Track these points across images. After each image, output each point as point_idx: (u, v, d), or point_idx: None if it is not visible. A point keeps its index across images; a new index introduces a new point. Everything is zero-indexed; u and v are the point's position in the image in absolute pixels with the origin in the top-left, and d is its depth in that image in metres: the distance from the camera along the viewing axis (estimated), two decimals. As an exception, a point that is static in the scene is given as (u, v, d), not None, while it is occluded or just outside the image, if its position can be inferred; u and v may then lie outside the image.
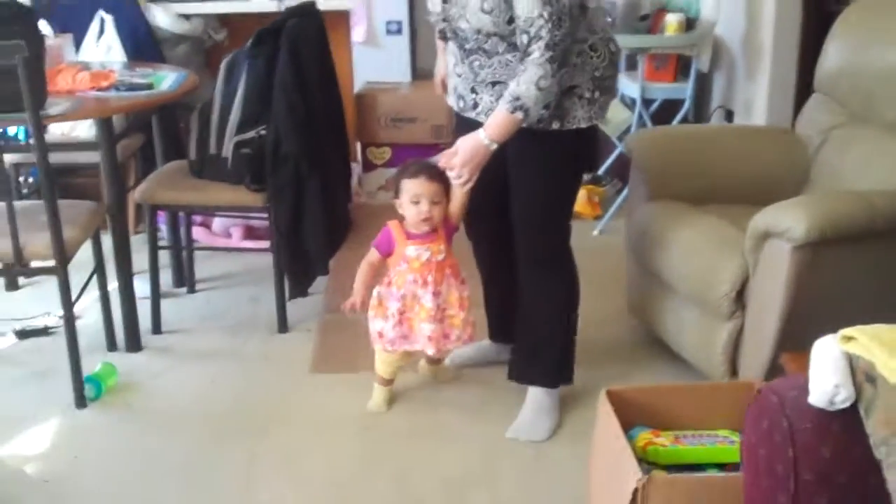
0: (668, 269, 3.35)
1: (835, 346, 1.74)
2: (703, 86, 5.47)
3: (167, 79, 3.95)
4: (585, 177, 5.46)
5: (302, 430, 3.22)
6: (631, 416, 2.58)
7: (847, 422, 1.68)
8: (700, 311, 3.24)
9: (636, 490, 2.23)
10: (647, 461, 2.47)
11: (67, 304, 3.32)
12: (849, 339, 1.73)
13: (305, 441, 3.14)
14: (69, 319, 3.35)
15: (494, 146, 2.79)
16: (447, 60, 3.17)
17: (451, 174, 2.90)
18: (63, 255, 3.24)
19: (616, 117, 5.16)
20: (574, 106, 2.87)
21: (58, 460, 3.08)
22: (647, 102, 5.12)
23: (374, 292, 3.13)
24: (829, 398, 1.67)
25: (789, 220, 2.80)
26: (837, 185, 3.39)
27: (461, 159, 2.84)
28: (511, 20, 2.73)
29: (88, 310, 4.07)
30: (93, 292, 3.76)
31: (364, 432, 3.19)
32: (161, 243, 4.17)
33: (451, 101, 3.15)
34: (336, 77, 4.11)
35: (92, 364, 3.53)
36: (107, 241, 3.71)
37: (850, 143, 3.45)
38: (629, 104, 5.22)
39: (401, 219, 3.11)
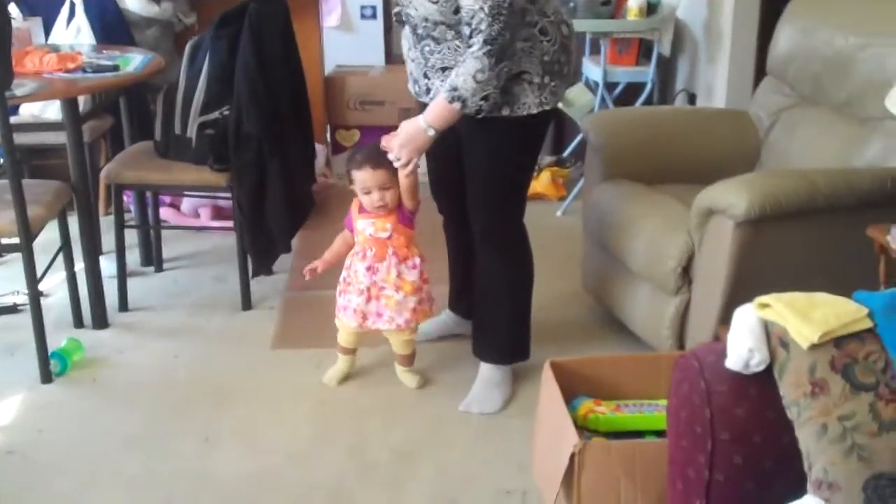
0: (619, 246, 3.44)
1: (751, 312, 1.83)
2: (667, 69, 5.55)
3: (134, 61, 4.01)
4: (549, 158, 5.59)
5: (261, 403, 3.29)
6: (575, 387, 2.67)
7: (762, 384, 1.77)
8: (649, 287, 3.33)
9: (573, 455, 2.32)
10: (587, 429, 2.57)
11: (32, 280, 3.38)
12: (764, 306, 1.82)
13: (264, 414, 3.22)
14: (34, 296, 3.41)
15: (432, 132, 2.83)
16: (403, 45, 3.20)
17: (390, 156, 2.94)
18: (28, 233, 3.30)
19: (579, 100, 5.22)
20: (523, 92, 2.87)
21: (22, 433, 3.14)
22: (610, 86, 5.21)
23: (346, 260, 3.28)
24: (745, 362, 1.76)
25: (731, 197, 2.89)
26: (785, 165, 3.48)
27: (399, 141, 2.89)
28: (458, 10, 2.75)
29: (57, 288, 4.14)
30: (61, 271, 3.83)
31: (321, 406, 3.27)
32: (130, 223, 4.24)
33: (409, 85, 3.17)
34: (300, 59, 4.17)
35: (59, 340, 3.59)
36: (75, 222, 3.78)
37: (799, 124, 3.55)
38: (593, 88, 5.29)
39: None
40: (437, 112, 2.81)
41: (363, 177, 3.06)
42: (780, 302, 1.79)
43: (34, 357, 3.45)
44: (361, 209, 3.16)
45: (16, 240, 3.34)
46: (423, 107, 3.01)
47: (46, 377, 3.45)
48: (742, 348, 1.76)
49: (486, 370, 3.27)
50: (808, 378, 1.70)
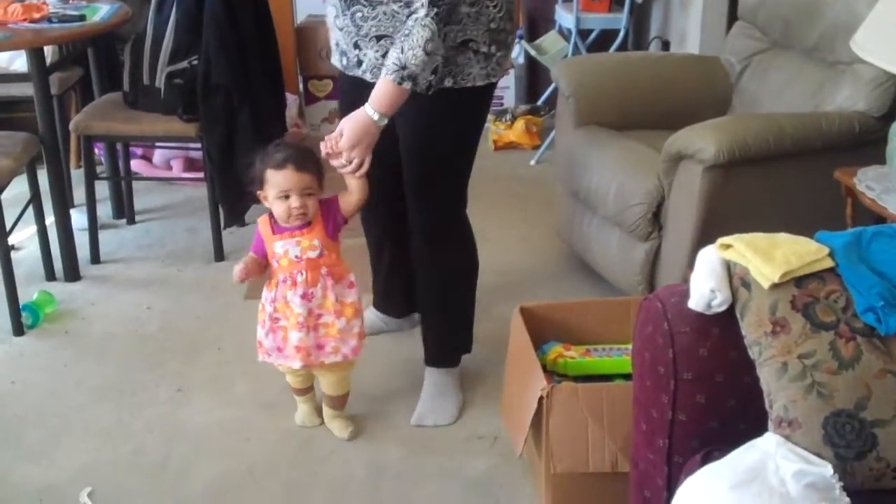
0: (590, 192, 3.44)
1: (713, 253, 1.84)
2: (641, 17, 5.53)
3: (100, 10, 3.96)
4: (524, 107, 5.58)
5: (233, 354, 3.30)
6: (545, 332, 2.69)
7: (724, 325, 1.78)
8: (620, 233, 3.34)
9: (541, 399, 2.34)
10: (556, 373, 2.59)
11: (2, 233, 3.36)
12: (726, 246, 1.83)
13: (236, 364, 3.22)
14: (4, 248, 3.39)
15: (385, 121, 2.46)
16: (328, 12, 2.75)
17: (337, 162, 2.52)
18: (-5, 184, 3.28)
19: (553, 48, 5.22)
20: (469, 62, 2.56)
21: (-6, 385, 3.15)
22: (583, 33, 5.18)
23: (264, 290, 2.71)
24: (707, 302, 1.77)
25: (700, 142, 2.89)
26: (756, 110, 3.49)
27: (348, 142, 2.48)
28: None
29: (27, 241, 4.12)
30: (32, 225, 3.82)
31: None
32: (101, 176, 4.22)
33: (335, 58, 2.78)
34: (269, 8, 4.13)
35: (30, 293, 3.59)
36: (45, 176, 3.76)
37: (769, 69, 3.55)
38: (566, 35, 5.27)
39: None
40: (386, 96, 2.43)
41: (282, 179, 2.53)
42: (741, 242, 1.80)
43: (5, 310, 3.44)
44: (277, 229, 2.61)
45: (-17, 192, 3.31)
46: (347, 83, 2.74)
47: (18, 330, 3.44)
48: (704, 289, 1.77)
49: (435, 376, 2.99)
50: (769, 317, 1.71)
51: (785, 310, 1.71)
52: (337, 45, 2.72)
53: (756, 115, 3.33)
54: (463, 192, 2.81)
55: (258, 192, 2.60)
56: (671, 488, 1.80)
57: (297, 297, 2.59)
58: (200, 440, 2.83)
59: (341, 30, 2.64)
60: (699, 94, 3.74)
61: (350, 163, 2.50)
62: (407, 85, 2.40)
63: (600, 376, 2.56)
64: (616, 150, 3.42)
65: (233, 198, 3.93)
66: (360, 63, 2.63)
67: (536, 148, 5.28)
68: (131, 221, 4.46)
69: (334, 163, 2.52)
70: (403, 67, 2.37)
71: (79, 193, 4.25)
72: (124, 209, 4.46)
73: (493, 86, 2.68)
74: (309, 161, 2.56)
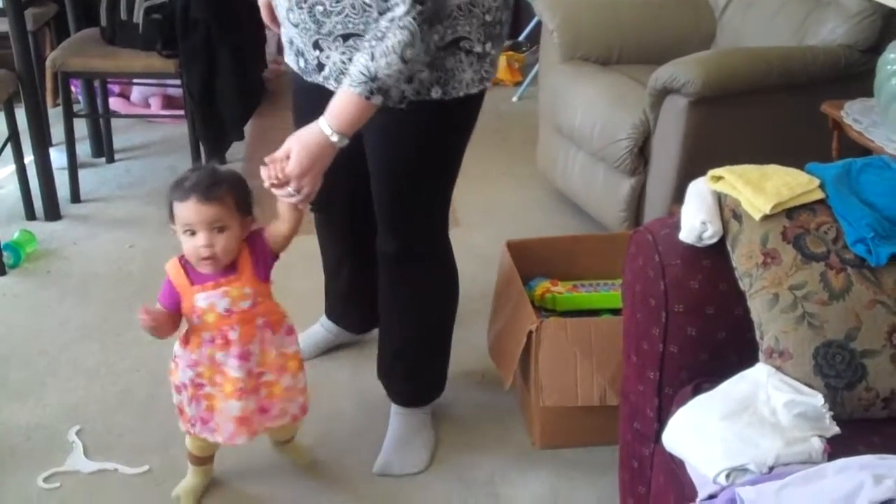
0: (574, 128, 3.43)
1: (704, 185, 1.84)
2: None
3: (75, -56, 3.89)
4: (505, 42, 5.53)
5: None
6: (532, 268, 2.69)
7: (714, 257, 1.79)
8: (605, 168, 3.34)
9: (530, 333, 2.34)
10: (544, 309, 2.60)
11: (-20, 171, 3.33)
12: (717, 178, 1.83)
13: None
14: (-17, 187, 3.36)
15: (345, 142, 1.94)
16: (277, 5, 2.17)
17: (282, 192, 1.98)
18: (-28, 122, 3.23)
19: (535, -18, 5.17)
20: (460, 65, 2.06)
21: (-23, 324, 3.13)
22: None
23: (174, 348, 2.18)
24: (698, 234, 1.77)
25: (686, 75, 2.88)
26: (740, 45, 3.47)
27: (298, 167, 1.93)
28: None
29: (6, 181, 4.08)
30: (10, 164, 3.78)
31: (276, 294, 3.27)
32: (79, 113, 4.17)
33: (289, 58, 2.24)
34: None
35: (11, 233, 3.56)
36: (23, 115, 3.71)
37: (753, 3, 3.54)
38: (548, -31, 5.21)
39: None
40: (348, 112, 1.91)
41: (186, 212, 1.99)
42: (732, 174, 1.80)
43: (-14, 249, 3.41)
44: (194, 276, 2.07)
45: (-40, 129, 3.27)
46: (302, 89, 2.22)
47: (0, 269, 3.41)
48: (695, 221, 1.77)
49: (404, 417, 2.55)
50: (760, 249, 1.72)
51: (776, 241, 1.72)
52: (291, 42, 2.17)
53: (741, 48, 3.32)
54: (446, 212, 2.35)
55: (171, 228, 2.07)
56: (661, 420, 1.81)
57: (231, 359, 2.09)
58: (187, 378, 2.83)
59: (296, 26, 2.08)
60: (684, 29, 3.73)
61: (299, 191, 1.96)
62: (376, 100, 1.88)
63: (588, 311, 2.57)
64: (601, 85, 3.40)
65: (213, 135, 3.90)
66: (320, 67, 2.09)
67: (518, 84, 5.26)
68: (111, 160, 4.42)
69: (279, 192, 1.98)
70: (373, 78, 1.86)
71: (56, 132, 4.20)
72: (103, 148, 4.42)
73: (483, 93, 2.18)
74: (221, 188, 2.00)
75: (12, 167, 3.80)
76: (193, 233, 1.99)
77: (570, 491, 2.37)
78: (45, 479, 2.41)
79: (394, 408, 2.56)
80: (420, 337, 2.49)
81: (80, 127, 4.26)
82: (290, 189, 1.95)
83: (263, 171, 1.96)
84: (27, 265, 3.49)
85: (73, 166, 3.98)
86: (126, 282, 3.38)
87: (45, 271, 3.47)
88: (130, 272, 3.44)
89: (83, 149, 4.31)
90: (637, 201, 3.23)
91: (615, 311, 2.54)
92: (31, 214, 3.84)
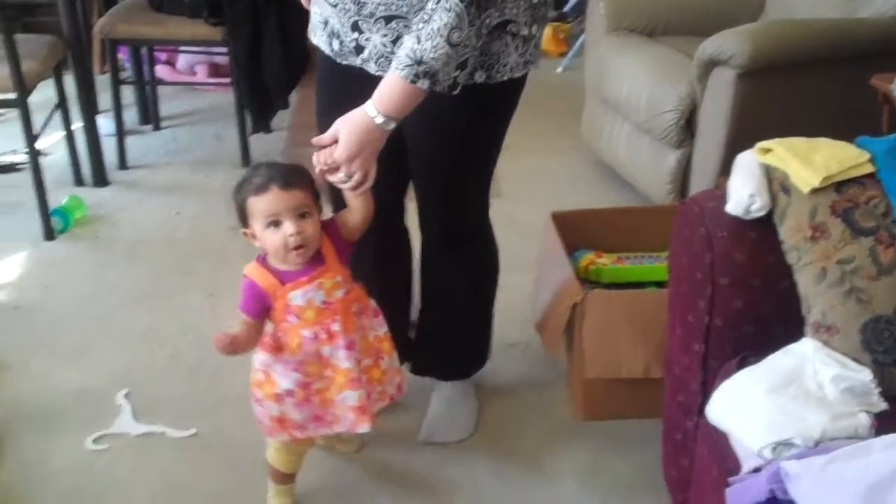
0: (620, 100, 3.42)
1: (753, 158, 1.83)
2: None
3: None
4: (551, 13, 5.50)
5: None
6: (576, 239, 2.69)
7: (762, 230, 1.77)
8: (650, 140, 3.32)
9: (575, 305, 2.34)
10: (589, 280, 2.59)
11: (30, 136, 3.37)
12: (766, 151, 1.82)
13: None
14: (32, 151, 3.40)
15: (392, 125, 1.87)
16: None
17: (335, 178, 1.93)
18: (23, 87, 3.27)
19: (581, -48, 5.14)
20: (505, 49, 1.99)
21: (27, 288, 3.17)
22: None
23: (257, 361, 2.07)
24: (745, 207, 1.76)
25: (734, 47, 2.86)
26: (790, 16, 3.42)
27: (346, 152, 1.88)
28: None
29: (55, 147, 4.12)
30: (59, 130, 3.83)
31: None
32: (126, 80, 4.21)
33: (319, 39, 2.13)
34: None
35: (60, 198, 3.60)
36: (71, 82, 3.75)
37: (804, -27, 3.48)
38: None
39: (264, 254, 2.01)
40: (395, 96, 1.84)
41: (268, 203, 1.90)
42: (781, 146, 1.79)
43: (36, 215, 3.46)
44: (285, 277, 1.97)
45: (11, 95, 3.30)
46: (336, 74, 2.11)
47: (49, 234, 3.46)
48: (743, 193, 1.76)
49: (448, 389, 2.56)
50: (809, 222, 1.71)
51: (824, 215, 1.71)
52: (326, 23, 2.08)
53: (790, 20, 3.27)
54: (487, 193, 2.32)
55: (244, 232, 1.99)
56: (706, 393, 1.81)
57: (340, 351, 2.00)
58: (233, 344, 2.86)
59: (334, 6, 2.01)
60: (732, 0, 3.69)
61: (351, 177, 1.92)
62: (423, 84, 1.82)
63: (633, 284, 2.56)
64: (647, 57, 3.38)
65: (259, 103, 3.93)
66: (359, 49, 2.01)
67: (563, 55, 5.24)
68: (157, 127, 4.46)
69: (332, 178, 1.94)
70: (419, 62, 1.80)
71: (104, 99, 4.24)
72: (150, 115, 4.47)
73: (526, 76, 2.12)
74: (297, 176, 1.94)
75: (61, 134, 3.86)
76: (278, 224, 1.90)
77: (612, 462, 2.38)
78: (94, 441, 2.45)
79: (436, 382, 2.56)
80: (464, 315, 2.50)
81: (127, 94, 4.32)
82: (340, 175, 1.91)
83: (315, 157, 1.92)
84: (76, 230, 3.54)
85: (121, 133, 4.03)
86: (173, 248, 3.42)
87: (93, 237, 3.51)
88: (177, 238, 3.48)
89: (130, 116, 4.36)
90: (683, 174, 3.21)
91: (660, 284, 2.53)
92: (79, 181, 3.89)
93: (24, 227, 3.51)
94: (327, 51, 2.10)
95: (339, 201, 2.06)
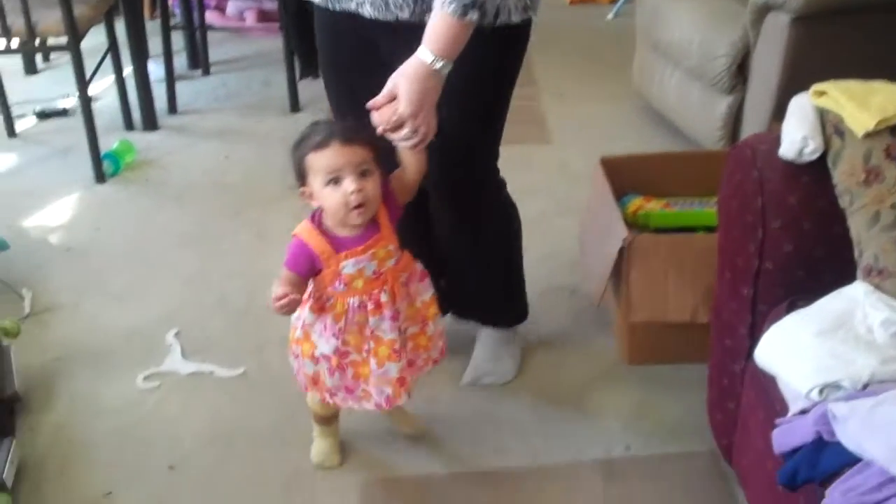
0: (672, 45, 3.38)
1: (807, 101, 1.80)
2: None
3: None
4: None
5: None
6: (624, 185, 2.67)
7: (814, 173, 1.75)
8: (702, 86, 3.29)
9: (622, 249, 2.33)
10: (637, 225, 2.58)
11: (81, 80, 3.39)
12: (821, 93, 1.79)
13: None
14: (84, 96, 3.42)
15: (448, 68, 1.80)
16: None
17: (398, 135, 1.84)
18: (75, 32, 3.28)
19: None
20: None
21: (79, 230, 3.21)
22: None
23: (298, 319, 2.02)
24: (798, 150, 1.74)
25: (789, -9, 2.81)
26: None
27: (411, 106, 1.79)
28: None
29: (105, 93, 4.17)
30: (110, 76, 3.86)
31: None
32: (176, 26, 4.23)
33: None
34: None
35: (110, 143, 3.64)
36: (122, 28, 3.77)
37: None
38: None
39: (318, 215, 1.94)
40: (447, 35, 1.77)
41: (328, 158, 1.83)
42: (836, 89, 1.76)
43: (87, 158, 3.50)
44: (339, 243, 1.90)
45: (63, 40, 3.33)
46: (338, 20, 2.04)
47: (100, 177, 3.50)
48: (796, 136, 1.74)
49: (492, 332, 2.53)
50: (863, 166, 1.68)
51: (879, 158, 1.68)
52: None
53: (846, -36, 3.21)
54: (495, 150, 2.22)
55: (301, 191, 1.93)
56: (753, 337, 1.80)
57: (386, 322, 1.95)
58: (281, 287, 2.88)
59: None
60: (787, -56, 3.62)
61: (416, 132, 1.83)
62: (473, 16, 1.75)
63: (681, 229, 2.55)
64: (700, 2, 3.34)
65: (307, 48, 3.90)
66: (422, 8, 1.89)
67: (613, 2, 5.17)
68: (206, 73, 4.48)
69: (394, 137, 1.84)
70: None
71: (154, 45, 4.25)
72: (199, 60, 4.49)
73: (529, 25, 2.04)
74: (358, 132, 1.85)
75: (111, 78, 3.90)
76: (338, 182, 1.82)
77: (658, 406, 2.37)
78: (145, 379, 2.49)
79: (480, 328, 2.53)
80: (492, 273, 2.42)
81: (177, 40, 4.34)
82: (405, 132, 1.82)
83: (374, 117, 1.82)
84: (126, 174, 3.58)
85: (171, 78, 4.06)
86: (222, 192, 3.44)
87: (143, 180, 3.55)
88: (226, 183, 3.51)
89: (179, 61, 4.39)
90: (734, 120, 3.18)
91: (708, 229, 2.50)
92: (129, 125, 3.93)
93: (75, 171, 3.56)
94: (369, 13, 1.96)
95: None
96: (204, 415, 2.37)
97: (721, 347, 1.94)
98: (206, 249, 3.09)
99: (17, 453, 2.14)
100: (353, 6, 1.96)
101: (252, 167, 3.60)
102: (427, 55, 1.77)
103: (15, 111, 3.98)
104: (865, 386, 1.49)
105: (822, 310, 1.64)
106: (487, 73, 2.04)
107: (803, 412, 1.52)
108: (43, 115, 4.06)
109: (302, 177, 1.90)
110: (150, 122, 3.92)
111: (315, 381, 2.03)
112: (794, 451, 1.49)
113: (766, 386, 1.67)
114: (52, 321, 2.73)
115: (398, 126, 1.81)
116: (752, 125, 3.06)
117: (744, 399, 1.85)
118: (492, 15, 1.83)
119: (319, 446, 2.23)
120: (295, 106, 4.03)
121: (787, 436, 1.51)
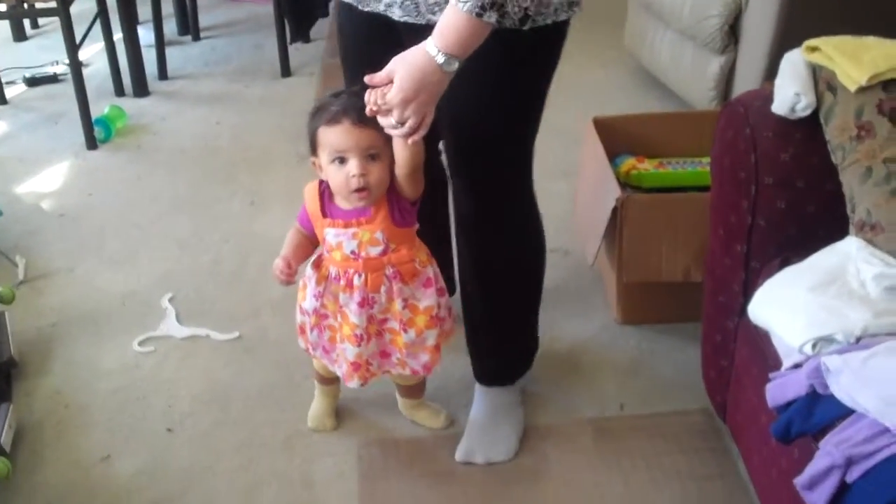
0: (664, 5, 3.38)
1: (799, 56, 1.80)
2: None
3: None
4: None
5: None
6: (617, 145, 2.67)
7: (807, 129, 1.75)
8: (694, 46, 3.28)
9: (616, 209, 2.34)
10: (630, 185, 2.58)
11: (72, 45, 3.37)
12: (813, 49, 1.79)
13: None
14: (75, 62, 3.40)
15: (454, 66, 1.61)
16: None
17: (386, 121, 1.68)
18: (64, -5, 3.28)
19: None
20: None
21: (72, 196, 3.21)
22: None
23: (307, 268, 2.02)
24: (791, 106, 1.74)
25: (781, -52, 2.80)
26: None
27: (400, 94, 1.63)
28: None
29: (95, 58, 4.15)
30: (99, 43, 3.84)
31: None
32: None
33: None
34: None
35: (101, 109, 3.63)
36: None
37: None
38: None
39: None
40: (457, 32, 1.57)
41: (336, 136, 1.79)
42: (829, 45, 1.76)
43: (78, 124, 3.49)
44: (329, 208, 1.91)
45: (52, 4, 3.30)
46: (362, 22, 1.89)
47: (92, 143, 3.49)
48: (789, 92, 1.74)
49: (489, 396, 2.24)
50: (855, 121, 1.69)
51: (871, 114, 1.68)
52: None
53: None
54: (529, 162, 1.99)
55: (311, 161, 1.89)
56: (746, 294, 1.80)
57: (353, 304, 1.92)
58: (275, 250, 2.84)
59: None
60: None
61: (403, 123, 1.67)
62: (490, 17, 1.56)
63: (673, 188, 2.55)
64: (692, -39, 3.32)
65: (298, 12, 3.91)
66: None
67: (605, -37, 5.15)
68: (196, 38, 4.47)
69: (382, 121, 1.69)
70: None
71: (143, 10, 4.23)
72: (189, 25, 4.46)
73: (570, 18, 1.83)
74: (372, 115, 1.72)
75: (101, 44, 3.88)
76: (343, 161, 1.79)
77: (651, 364, 2.39)
78: (140, 343, 2.50)
79: (477, 386, 2.25)
80: (505, 307, 2.16)
81: (167, 5, 4.31)
82: (392, 119, 1.67)
83: (367, 95, 1.68)
84: (118, 140, 3.57)
85: (161, 43, 4.04)
86: (214, 157, 3.44)
87: (135, 146, 3.54)
88: (218, 147, 3.50)
89: (170, 27, 4.38)
90: (726, 80, 3.18)
91: (701, 189, 2.51)
92: (119, 91, 3.92)
93: (66, 137, 3.55)
94: (382, 6, 1.80)
95: None
96: (200, 378, 2.38)
97: (714, 304, 1.95)
98: (199, 214, 3.08)
99: (14, 418, 2.15)
100: (381, 7, 1.80)
101: (243, 132, 3.59)
102: (433, 49, 1.59)
103: (4, 77, 3.97)
104: (858, 339, 1.49)
105: (815, 265, 1.64)
106: (523, 77, 1.85)
107: (796, 366, 1.53)
108: (32, 82, 4.04)
109: (314, 148, 1.86)
110: (141, 88, 3.90)
111: (302, 330, 2.06)
112: (788, 404, 1.50)
113: (760, 341, 1.68)
114: (46, 287, 2.73)
115: (387, 111, 1.67)
116: (745, 85, 3.06)
117: (737, 355, 1.87)
118: (516, 18, 1.65)
119: (316, 407, 2.24)
120: (286, 70, 4.01)
121: (781, 390, 1.52)
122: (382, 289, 1.91)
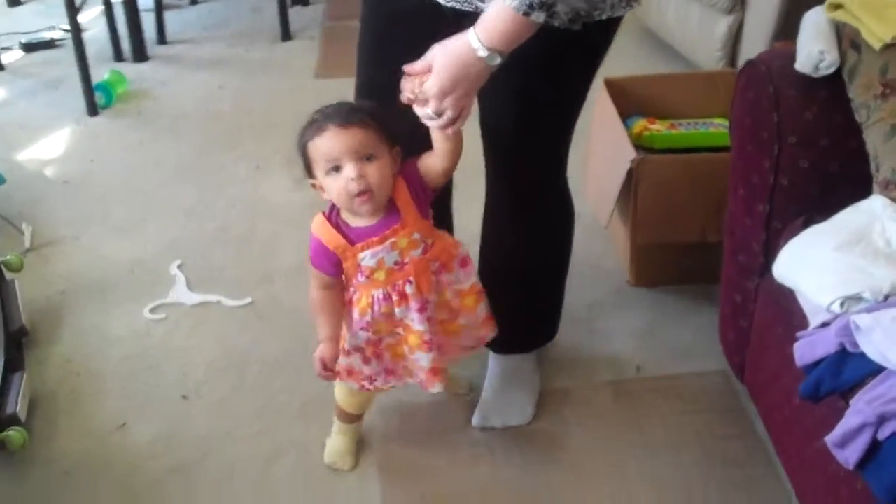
0: (670, -35, 3.35)
1: (822, 14, 1.78)
2: None
3: None
4: None
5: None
6: (628, 106, 2.65)
7: (830, 88, 1.74)
8: (700, 7, 3.26)
9: (630, 170, 2.32)
10: (642, 147, 2.56)
11: (71, 9, 3.33)
12: (836, 6, 1.77)
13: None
14: (75, 26, 3.36)
15: (497, 60, 1.53)
16: None
17: (423, 112, 1.61)
18: (63, -40, 3.23)
19: None
20: None
21: (74, 163, 3.18)
22: None
23: None
24: (814, 64, 1.72)
25: None
26: None
27: (437, 84, 1.56)
28: None
29: (93, 23, 4.10)
30: (97, 7, 3.80)
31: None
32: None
33: None
34: None
35: (100, 74, 3.59)
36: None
37: None
38: None
39: (332, 207, 1.77)
40: (502, 26, 1.49)
41: (326, 146, 1.66)
42: (853, 2, 1.74)
43: (79, 90, 3.46)
44: (354, 235, 1.74)
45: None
46: (395, 10, 1.81)
47: (92, 109, 3.46)
48: (812, 50, 1.72)
49: (506, 362, 2.21)
50: (880, 79, 1.67)
51: (896, 72, 1.67)
52: None
53: None
54: (565, 155, 1.96)
55: (312, 184, 1.74)
56: (768, 254, 1.80)
57: (412, 314, 1.80)
58: (283, 215, 2.86)
59: None
60: None
61: (440, 115, 1.60)
62: (538, 17, 1.47)
63: (686, 149, 2.53)
64: (699, -81, 3.29)
65: (299, -25, 3.87)
66: None
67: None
68: (194, 2, 4.44)
69: (419, 112, 1.62)
70: None
71: (140, -27, 4.20)
72: (186, -11, 4.42)
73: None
74: (359, 113, 1.68)
75: (100, 8, 3.85)
76: (339, 169, 1.66)
77: (667, 327, 2.38)
78: (151, 311, 2.48)
79: (492, 355, 2.22)
80: (533, 281, 2.12)
81: (163, -32, 4.27)
82: (428, 110, 1.60)
83: (403, 83, 1.61)
84: (119, 105, 3.54)
85: (159, 7, 4.01)
86: (217, 121, 3.41)
87: (136, 112, 3.51)
88: (220, 112, 3.47)
89: (167, -10, 4.32)
90: (733, 41, 3.15)
91: (713, 150, 2.50)
92: (118, 56, 3.89)
93: (66, 103, 3.52)
94: None
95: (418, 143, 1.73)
96: (213, 345, 2.37)
97: (734, 264, 1.94)
98: (203, 180, 3.06)
99: (28, 387, 2.13)
100: (471, 6, 1.65)
101: (245, 96, 3.57)
102: (475, 41, 1.51)
103: (0, 43, 3.92)
104: (886, 297, 1.49)
105: (840, 224, 1.63)
106: (570, 70, 1.79)
107: (824, 325, 1.52)
108: (29, 48, 4.01)
109: (309, 168, 1.73)
110: (140, 53, 3.87)
111: (350, 372, 1.91)
112: (816, 363, 1.50)
113: (784, 301, 1.67)
114: (53, 255, 2.71)
115: (423, 101, 1.60)
116: (753, 46, 3.03)
117: (757, 316, 1.86)
118: (566, 17, 1.53)
119: (335, 444, 2.08)
120: (286, 34, 3.98)
121: (810, 348, 1.51)
122: (433, 287, 1.81)
